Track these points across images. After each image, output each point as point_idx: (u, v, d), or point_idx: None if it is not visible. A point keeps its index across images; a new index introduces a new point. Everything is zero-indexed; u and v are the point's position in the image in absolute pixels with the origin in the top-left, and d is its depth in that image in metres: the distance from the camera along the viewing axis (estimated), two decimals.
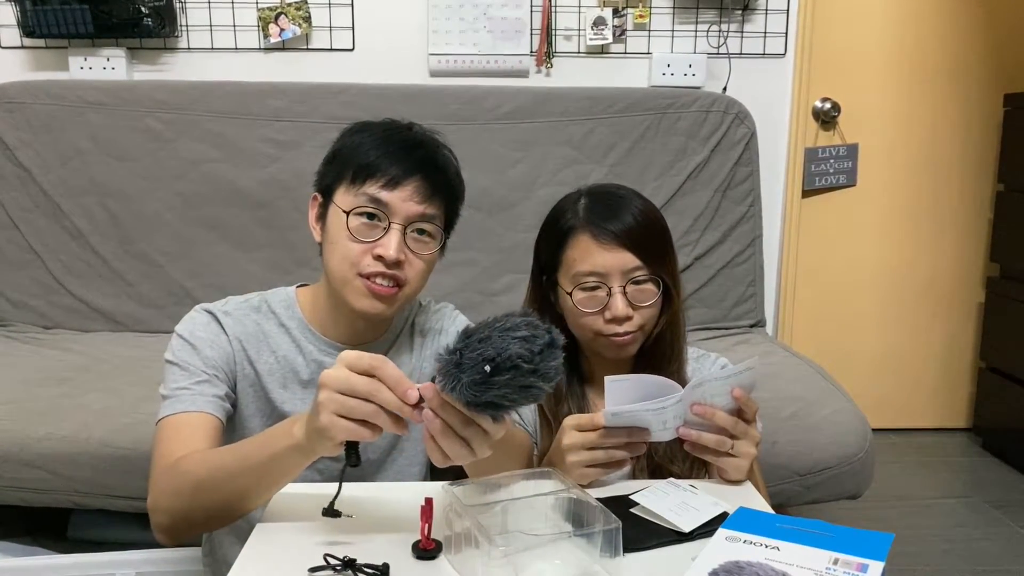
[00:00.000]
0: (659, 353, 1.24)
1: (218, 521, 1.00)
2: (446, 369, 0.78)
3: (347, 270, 1.11)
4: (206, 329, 1.16)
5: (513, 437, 1.10)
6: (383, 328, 1.23)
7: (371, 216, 1.10)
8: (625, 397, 1.01)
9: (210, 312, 1.18)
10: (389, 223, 1.10)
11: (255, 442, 0.95)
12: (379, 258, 1.09)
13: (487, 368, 0.76)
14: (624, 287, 1.17)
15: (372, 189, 1.10)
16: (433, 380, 0.80)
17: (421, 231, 1.13)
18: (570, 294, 1.19)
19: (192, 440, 1.04)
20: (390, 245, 1.09)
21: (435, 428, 0.81)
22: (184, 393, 1.09)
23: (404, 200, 1.10)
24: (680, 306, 1.24)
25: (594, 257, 1.17)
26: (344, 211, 1.11)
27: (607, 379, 1.02)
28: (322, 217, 1.16)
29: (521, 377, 0.77)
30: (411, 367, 1.24)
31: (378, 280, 1.10)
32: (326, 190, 1.15)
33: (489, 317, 0.80)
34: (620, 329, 1.17)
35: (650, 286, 1.18)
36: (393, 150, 1.12)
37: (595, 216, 1.19)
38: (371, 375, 0.81)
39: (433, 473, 1.31)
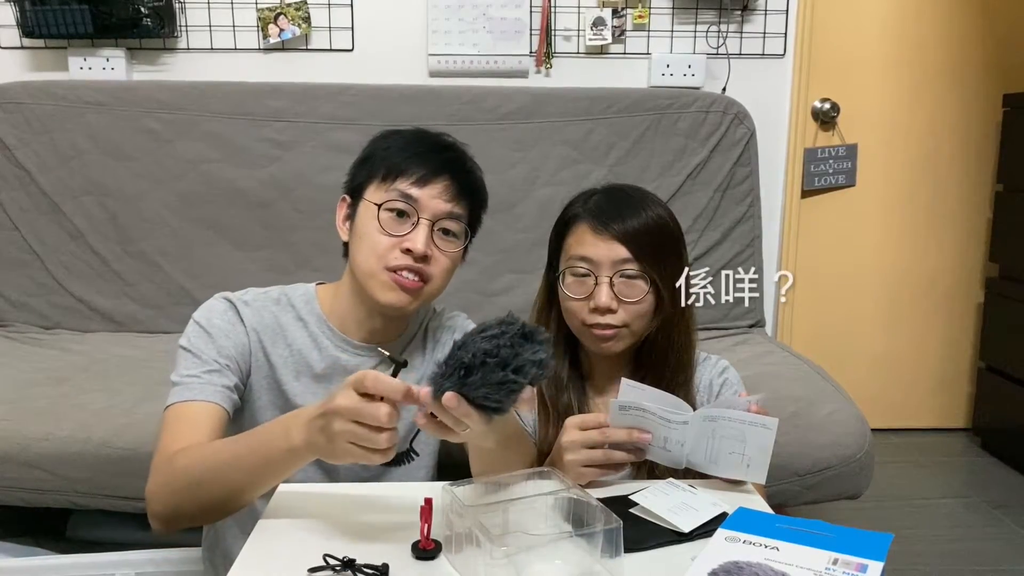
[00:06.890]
0: (658, 359, 1.23)
1: (213, 515, 1.02)
2: (433, 380, 0.82)
3: (375, 263, 1.14)
4: (223, 318, 1.17)
5: (523, 439, 1.11)
6: (399, 329, 1.25)
7: (401, 213, 1.14)
8: (636, 401, 1.03)
9: (230, 301, 1.20)
10: (418, 218, 1.14)
11: (250, 442, 0.97)
12: (407, 252, 1.13)
13: (461, 372, 0.80)
14: (611, 278, 1.17)
15: (403, 185, 1.14)
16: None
17: (447, 230, 1.17)
18: (560, 277, 1.21)
19: (196, 431, 1.05)
20: (418, 239, 1.13)
21: (427, 427, 0.86)
22: (194, 381, 1.10)
23: (433, 197, 1.14)
24: (686, 322, 1.24)
25: (587, 245, 1.19)
26: (375, 204, 1.14)
27: (624, 380, 1.04)
28: (350, 217, 1.20)
29: (491, 373, 0.80)
30: (422, 370, 1.26)
31: (404, 273, 1.13)
32: (356, 190, 1.19)
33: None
34: (602, 320, 1.18)
35: (639, 283, 1.18)
36: (423, 151, 1.17)
37: (599, 210, 1.21)
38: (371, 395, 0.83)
39: (440, 477, 1.31)
